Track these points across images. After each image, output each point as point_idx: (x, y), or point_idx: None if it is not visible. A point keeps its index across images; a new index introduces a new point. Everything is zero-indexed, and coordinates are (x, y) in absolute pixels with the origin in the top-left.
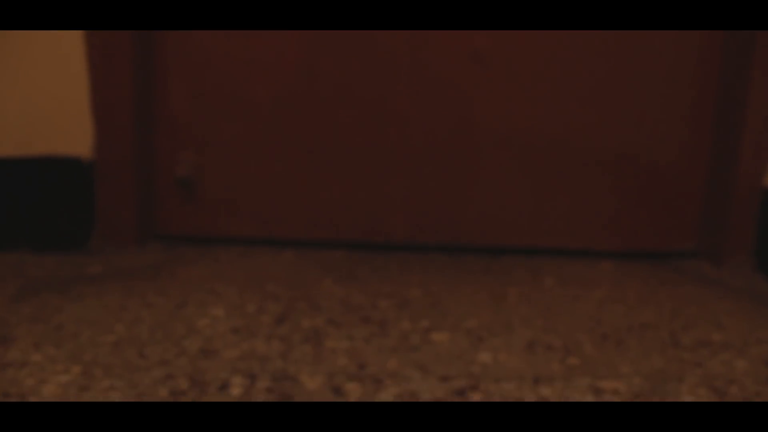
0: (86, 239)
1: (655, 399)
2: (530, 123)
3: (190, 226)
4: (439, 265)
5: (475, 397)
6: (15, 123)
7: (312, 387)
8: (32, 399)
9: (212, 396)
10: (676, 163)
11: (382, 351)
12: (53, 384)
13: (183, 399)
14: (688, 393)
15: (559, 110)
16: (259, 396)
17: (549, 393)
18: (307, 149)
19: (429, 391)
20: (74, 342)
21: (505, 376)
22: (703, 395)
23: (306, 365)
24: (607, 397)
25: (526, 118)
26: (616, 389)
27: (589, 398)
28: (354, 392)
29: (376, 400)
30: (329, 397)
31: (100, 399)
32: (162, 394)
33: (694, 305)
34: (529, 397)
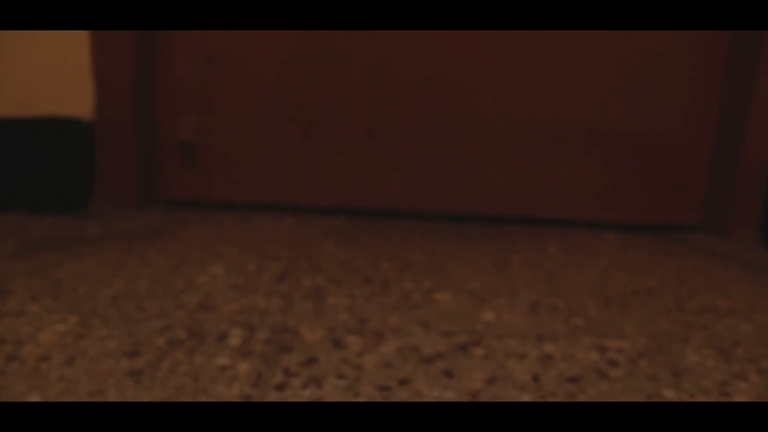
0: (86, 202)
1: (660, 358)
2: (533, 95)
3: (191, 191)
4: (442, 232)
5: (478, 352)
6: (15, 83)
7: (312, 339)
8: (29, 346)
9: (210, 346)
10: (681, 137)
11: (384, 308)
12: (50, 332)
13: (180, 349)
14: (693, 353)
15: (560, 83)
16: (258, 347)
17: (553, 350)
18: (310, 115)
19: (431, 345)
20: (72, 295)
21: (508, 333)
22: (709, 356)
23: (306, 320)
24: (612, 356)
25: (528, 88)
26: (621, 348)
27: (594, 356)
28: (354, 345)
29: (377, 353)
30: (329, 349)
31: (97, 349)
32: (159, 343)
33: (699, 274)
34: (533, 353)
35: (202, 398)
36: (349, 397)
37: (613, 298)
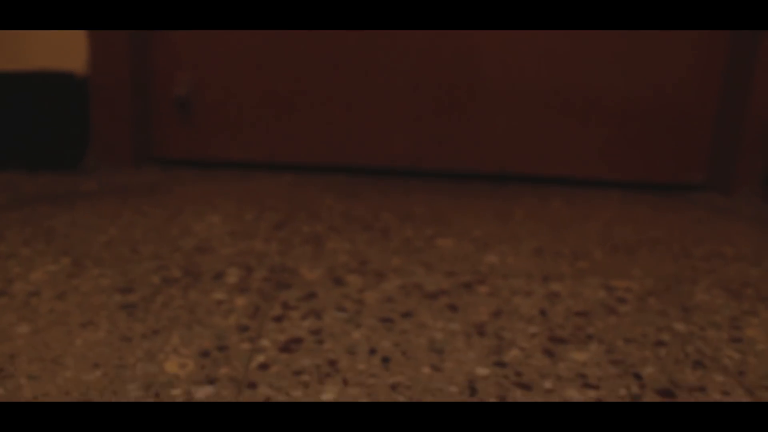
0: (80, 159)
1: (669, 297)
2: (535, 58)
3: (188, 149)
4: (443, 188)
5: (483, 290)
6: (6, 35)
7: (311, 277)
8: (19, 284)
9: (206, 284)
10: (684, 95)
11: (385, 252)
12: (41, 272)
13: (175, 286)
14: (702, 292)
15: (560, 44)
16: (255, 284)
17: (560, 288)
18: (310, 70)
19: (434, 283)
20: (64, 240)
21: (513, 274)
22: (718, 295)
23: (305, 261)
24: (619, 294)
25: (530, 52)
26: (628, 287)
27: (601, 294)
28: (355, 283)
29: (379, 290)
30: (329, 287)
31: (90, 286)
32: (153, 281)
33: (704, 226)
34: (539, 291)
35: (197, 329)
36: (350, 329)
37: (618, 246)
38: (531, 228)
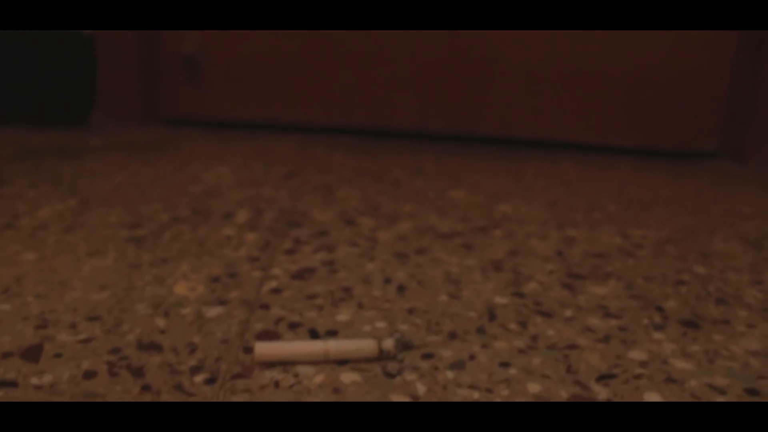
0: (87, 116)
1: (687, 244)
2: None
3: (195, 109)
4: (453, 150)
5: (497, 233)
6: None
7: (322, 218)
8: (25, 219)
9: (215, 222)
10: (698, 62)
11: (396, 200)
12: (48, 209)
13: (184, 223)
14: (720, 242)
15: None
16: (266, 223)
17: (575, 234)
18: (319, 29)
19: (448, 226)
20: (71, 185)
21: (527, 221)
22: (737, 245)
23: (316, 206)
24: (636, 240)
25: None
26: (645, 235)
27: (617, 240)
28: (367, 224)
29: (392, 230)
30: (341, 226)
31: (97, 221)
32: (162, 219)
33: (718, 189)
34: (554, 236)
35: (207, 259)
36: (364, 262)
37: (632, 201)
38: (543, 184)
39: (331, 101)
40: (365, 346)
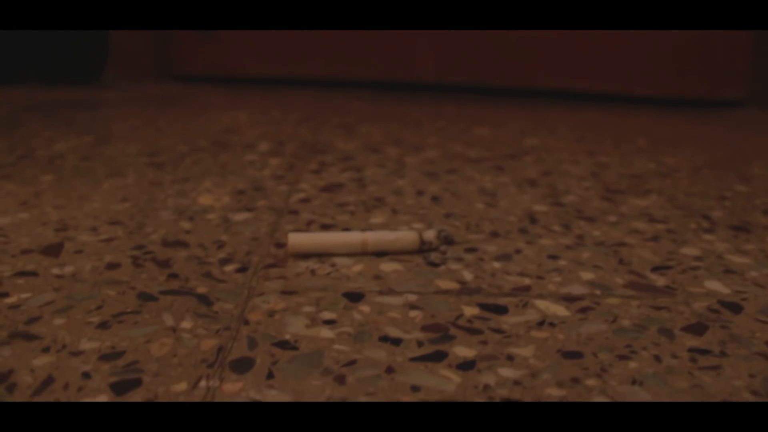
0: (99, 73)
1: (723, 170)
2: None
3: (209, 65)
4: (472, 100)
5: (528, 159)
6: None
7: (346, 147)
8: (42, 151)
9: (236, 150)
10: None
11: (421, 135)
12: (64, 144)
13: (204, 153)
14: (759, 168)
15: None
16: (289, 150)
17: (607, 160)
18: None
19: (476, 153)
20: (87, 127)
21: (557, 150)
22: None
23: (339, 138)
24: (671, 165)
25: None
26: (679, 163)
27: (652, 166)
28: (393, 152)
29: (418, 156)
30: (366, 153)
31: (114, 152)
32: (181, 149)
33: (748, 131)
34: (587, 162)
35: (231, 178)
36: (393, 179)
37: (661, 138)
38: (567, 125)
39: (347, 54)
40: (405, 236)
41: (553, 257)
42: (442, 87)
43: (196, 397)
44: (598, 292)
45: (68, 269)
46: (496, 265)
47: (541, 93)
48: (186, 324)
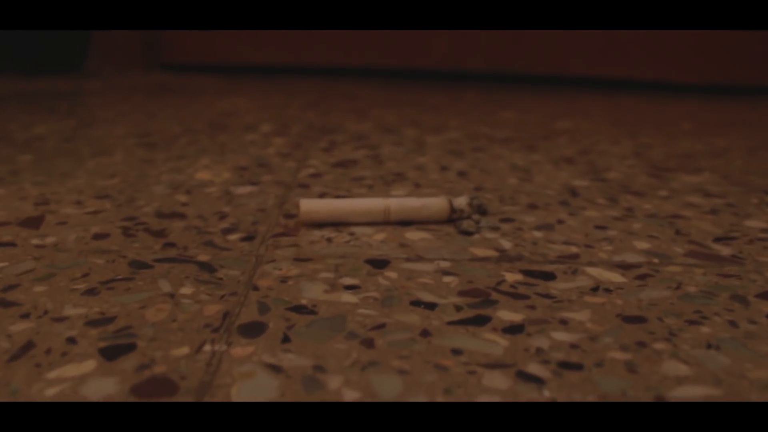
0: (81, 62)
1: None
2: None
3: (203, 53)
4: (495, 88)
5: (562, 139)
6: None
7: (359, 128)
8: (19, 134)
9: (236, 132)
10: None
11: (440, 118)
12: (44, 127)
13: (200, 134)
14: None
15: None
16: (295, 131)
17: (651, 141)
18: None
19: (504, 134)
20: (69, 112)
21: (593, 132)
22: None
23: (349, 121)
24: (722, 146)
25: None
26: (729, 145)
27: (699, 147)
28: (410, 132)
29: (440, 137)
30: (381, 133)
31: (100, 134)
32: (175, 130)
33: None
34: (628, 142)
35: (231, 156)
36: (414, 157)
37: (707, 122)
38: (602, 110)
39: (355, 39)
40: (434, 203)
41: (601, 227)
42: (459, 74)
43: (200, 361)
44: (656, 260)
45: (50, 240)
46: (537, 234)
47: (570, 80)
48: (186, 290)
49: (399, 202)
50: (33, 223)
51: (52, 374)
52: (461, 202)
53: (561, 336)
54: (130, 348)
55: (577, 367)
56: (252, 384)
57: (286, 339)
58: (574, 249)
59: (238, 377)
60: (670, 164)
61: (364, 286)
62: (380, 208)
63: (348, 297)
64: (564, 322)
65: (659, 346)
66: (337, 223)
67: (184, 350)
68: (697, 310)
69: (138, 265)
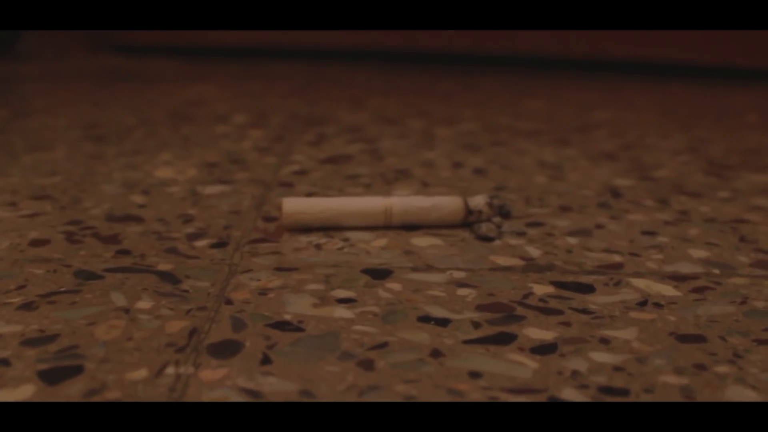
0: (12, 43)
1: None
2: None
3: (162, 34)
4: (518, 73)
5: (600, 133)
6: None
7: (353, 119)
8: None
9: (203, 123)
10: None
11: (452, 107)
12: None
13: (160, 125)
14: None
15: None
16: (275, 122)
17: (709, 134)
18: None
19: (531, 126)
20: (1, 97)
21: (637, 124)
22: None
23: (343, 111)
24: None
25: None
26: None
27: (766, 141)
28: (415, 124)
29: (452, 129)
30: (380, 124)
31: (37, 125)
32: (129, 122)
33: None
34: (679, 136)
35: (197, 150)
36: (421, 151)
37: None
38: (648, 99)
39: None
40: (445, 203)
41: (650, 233)
42: (474, 58)
43: (161, 386)
44: (716, 271)
45: None
46: (572, 240)
47: (610, 65)
48: (143, 304)
49: (403, 202)
50: None
51: None
52: (479, 202)
53: (602, 357)
54: (77, 370)
55: (623, 392)
56: None
57: (266, 360)
58: (616, 258)
59: None
60: (732, 161)
61: (361, 300)
62: (380, 209)
63: (341, 311)
64: (605, 341)
65: (722, 369)
66: (328, 228)
67: (142, 373)
68: (767, 328)
69: (85, 276)
